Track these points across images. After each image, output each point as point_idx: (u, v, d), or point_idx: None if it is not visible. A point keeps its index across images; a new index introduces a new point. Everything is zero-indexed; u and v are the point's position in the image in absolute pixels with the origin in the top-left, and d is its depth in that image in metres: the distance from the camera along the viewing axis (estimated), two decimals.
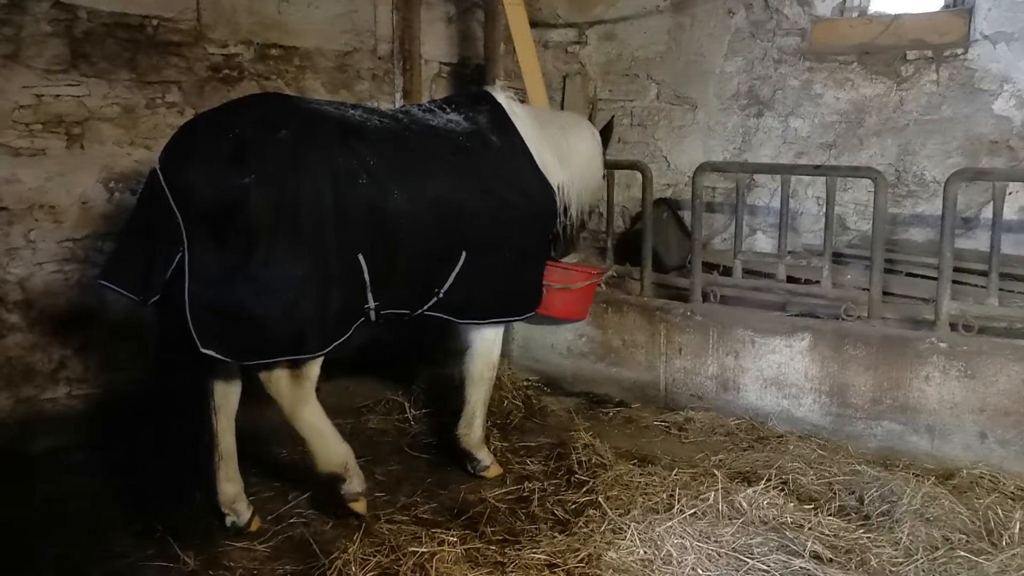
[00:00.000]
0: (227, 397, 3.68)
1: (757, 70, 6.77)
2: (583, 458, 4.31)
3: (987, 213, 5.55)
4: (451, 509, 3.96)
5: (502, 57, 6.33)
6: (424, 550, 3.28)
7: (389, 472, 4.39)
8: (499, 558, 3.34)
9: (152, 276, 3.25)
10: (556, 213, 4.45)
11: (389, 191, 3.66)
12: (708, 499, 3.66)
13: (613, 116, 5.68)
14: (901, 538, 3.40)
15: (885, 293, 5.03)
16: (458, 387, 4.56)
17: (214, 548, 3.55)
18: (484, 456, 4.39)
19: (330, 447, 3.76)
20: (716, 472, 3.95)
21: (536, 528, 3.67)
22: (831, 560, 3.27)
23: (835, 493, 3.90)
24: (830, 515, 3.65)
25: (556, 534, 3.56)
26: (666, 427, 5.01)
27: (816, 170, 5.93)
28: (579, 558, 3.28)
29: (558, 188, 4.42)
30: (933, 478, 3.99)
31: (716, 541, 3.33)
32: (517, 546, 3.45)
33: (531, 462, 4.47)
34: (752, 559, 3.22)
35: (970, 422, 4.36)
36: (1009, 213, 5.42)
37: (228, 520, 3.69)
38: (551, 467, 4.39)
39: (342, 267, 3.53)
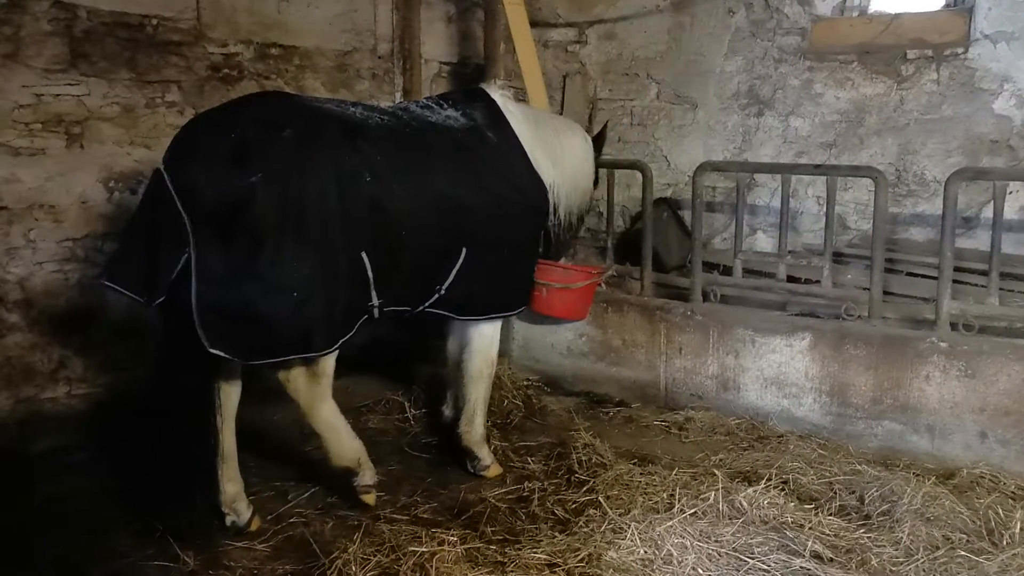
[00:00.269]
0: (228, 397, 3.69)
1: (757, 69, 6.77)
2: (583, 458, 4.31)
3: (987, 212, 5.55)
4: (451, 509, 3.96)
5: (502, 57, 6.33)
6: (424, 550, 3.28)
7: (389, 472, 4.38)
8: (499, 558, 3.34)
9: (158, 277, 3.24)
10: (547, 211, 4.47)
11: (392, 189, 3.68)
12: (708, 499, 3.65)
13: (607, 123, 5.69)
14: (902, 538, 3.40)
15: (885, 293, 5.03)
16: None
17: (214, 548, 3.55)
18: (485, 455, 4.39)
19: (344, 443, 3.81)
20: (716, 472, 3.95)
21: (536, 528, 3.67)
22: (831, 560, 3.26)
23: (835, 493, 3.90)
24: (830, 515, 3.65)
25: (556, 534, 3.56)
26: (666, 427, 5.00)
27: (816, 169, 5.92)
28: (579, 558, 3.28)
29: (549, 187, 4.43)
30: (934, 478, 3.99)
31: (716, 541, 3.33)
32: (517, 546, 3.45)
33: (531, 462, 4.47)
34: (752, 559, 3.22)
35: (970, 422, 4.36)
36: (1009, 212, 5.42)
37: (228, 520, 3.69)
38: (551, 467, 4.39)
39: (347, 265, 3.54)
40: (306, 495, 4.04)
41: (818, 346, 4.78)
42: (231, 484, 3.71)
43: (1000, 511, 3.63)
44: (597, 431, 4.74)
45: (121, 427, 4.63)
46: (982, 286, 4.90)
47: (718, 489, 3.70)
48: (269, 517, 3.83)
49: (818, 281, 5.11)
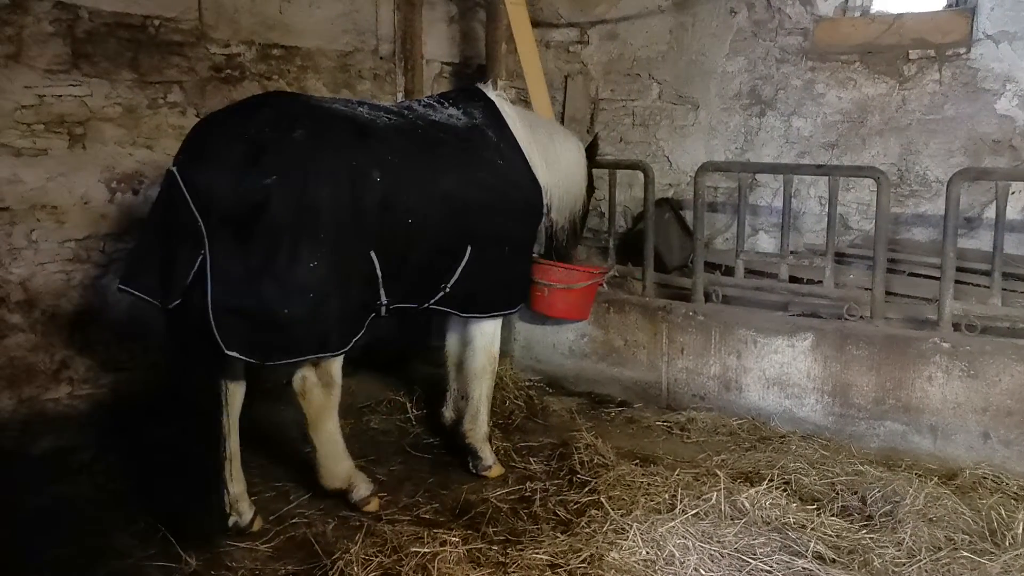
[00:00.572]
0: (234, 397, 3.69)
1: (759, 70, 6.77)
2: (585, 458, 4.31)
3: (990, 213, 5.53)
4: (453, 509, 3.96)
5: (504, 57, 6.33)
6: (426, 550, 3.28)
7: (391, 472, 4.39)
8: (501, 558, 3.34)
9: (173, 280, 3.25)
10: (542, 210, 4.49)
11: (401, 188, 3.70)
12: (710, 499, 3.65)
13: (596, 134, 5.70)
14: (904, 539, 3.40)
15: (888, 293, 5.02)
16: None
17: (216, 548, 3.55)
18: (487, 455, 4.39)
19: (339, 462, 3.86)
20: (718, 472, 3.95)
21: (538, 528, 3.66)
22: (834, 561, 3.26)
23: (838, 493, 3.89)
24: (833, 515, 3.64)
25: (558, 534, 3.55)
26: (668, 427, 5.00)
27: (818, 170, 5.93)
28: (581, 558, 3.28)
29: (544, 188, 4.46)
30: (936, 478, 3.99)
31: (719, 541, 3.33)
32: (519, 546, 3.44)
33: (533, 462, 4.47)
34: (755, 559, 3.22)
35: (973, 422, 4.36)
36: (1012, 212, 5.42)
37: (231, 520, 3.69)
38: (553, 467, 4.39)
39: (358, 264, 3.57)
40: (308, 495, 4.03)
41: (820, 346, 4.78)
42: (234, 484, 3.70)
43: (1003, 512, 3.63)
44: (599, 431, 4.73)
45: (123, 427, 4.63)
46: (985, 286, 4.89)
47: (720, 490, 3.70)
48: (271, 518, 3.82)
49: (820, 281, 5.11)
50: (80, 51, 4.80)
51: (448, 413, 4.83)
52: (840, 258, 5.72)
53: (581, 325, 5.65)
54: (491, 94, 4.49)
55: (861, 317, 4.81)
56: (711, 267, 5.87)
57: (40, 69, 4.66)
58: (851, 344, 4.67)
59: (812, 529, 3.47)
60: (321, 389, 3.68)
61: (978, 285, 5.16)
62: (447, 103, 4.38)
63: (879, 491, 3.80)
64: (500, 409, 5.08)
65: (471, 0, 6.97)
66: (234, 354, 3.27)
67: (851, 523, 3.59)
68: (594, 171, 5.23)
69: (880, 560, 3.27)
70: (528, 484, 4.13)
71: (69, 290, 4.87)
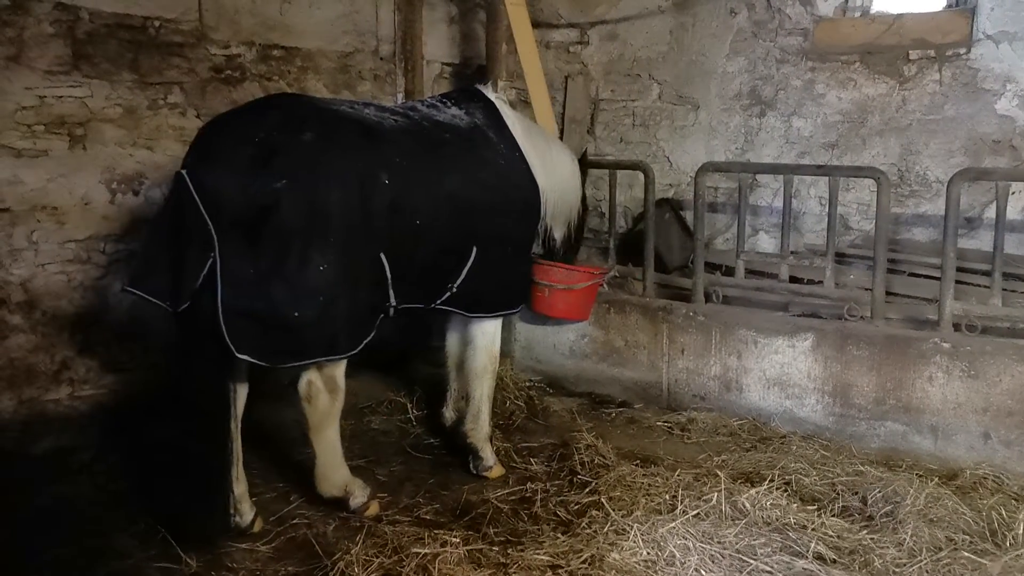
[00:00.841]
0: (238, 399, 3.70)
1: (759, 70, 6.76)
2: (586, 459, 4.31)
3: (990, 213, 5.53)
4: (453, 510, 3.96)
5: (504, 57, 6.33)
6: (427, 551, 3.28)
7: (391, 473, 4.39)
8: (502, 559, 3.34)
9: (183, 283, 3.25)
10: (540, 211, 4.49)
11: (409, 189, 3.71)
12: (711, 500, 3.65)
13: (585, 150, 5.72)
14: (904, 539, 3.40)
15: (888, 293, 5.02)
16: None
17: (216, 549, 3.55)
18: (488, 455, 4.39)
19: (337, 469, 3.85)
20: (719, 473, 3.95)
21: (539, 529, 3.66)
22: (834, 561, 3.26)
23: (838, 494, 3.90)
24: (833, 516, 3.65)
25: (559, 535, 3.56)
26: (669, 427, 5.00)
27: (819, 170, 5.93)
28: (582, 559, 3.28)
29: (541, 191, 4.47)
30: (936, 479, 3.99)
31: (719, 542, 3.33)
32: (520, 547, 3.44)
33: (534, 463, 4.47)
34: (755, 560, 3.22)
35: (974, 422, 4.36)
36: (1012, 213, 5.42)
37: (232, 521, 3.69)
38: (554, 468, 4.39)
39: (368, 266, 3.58)
40: (308, 497, 4.03)
41: (821, 347, 4.78)
42: (236, 485, 3.71)
43: (1003, 512, 3.63)
44: (599, 432, 4.73)
45: (123, 428, 4.63)
46: (985, 287, 4.89)
47: (721, 490, 3.70)
48: (272, 518, 3.83)
49: (821, 282, 5.11)
50: (80, 52, 4.79)
51: (449, 413, 4.83)
52: (840, 258, 5.71)
53: (582, 325, 5.65)
54: (491, 95, 4.51)
55: (861, 317, 4.81)
56: (711, 267, 5.87)
57: (40, 70, 4.66)
58: (851, 344, 4.67)
59: (813, 530, 3.47)
60: (327, 394, 3.68)
61: (978, 285, 5.16)
62: (450, 103, 4.40)
63: (880, 491, 3.80)
64: (500, 409, 5.08)
65: (471, 1, 6.97)
66: (244, 357, 3.29)
67: (852, 523, 3.59)
68: (595, 172, 5.25)
69: (881, 561, 3.27)
70: (529, 485, 4.13)
71: (70, 291, 4.87)
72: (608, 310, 5.57)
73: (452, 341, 4.74)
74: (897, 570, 3.24)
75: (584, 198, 5.25)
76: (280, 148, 3.37)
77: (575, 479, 4.17)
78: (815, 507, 3.74)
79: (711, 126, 7.05)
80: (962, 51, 5.92)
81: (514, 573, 3.24)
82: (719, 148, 7.00)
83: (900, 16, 6.19)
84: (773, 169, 6.32)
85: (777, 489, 3.82)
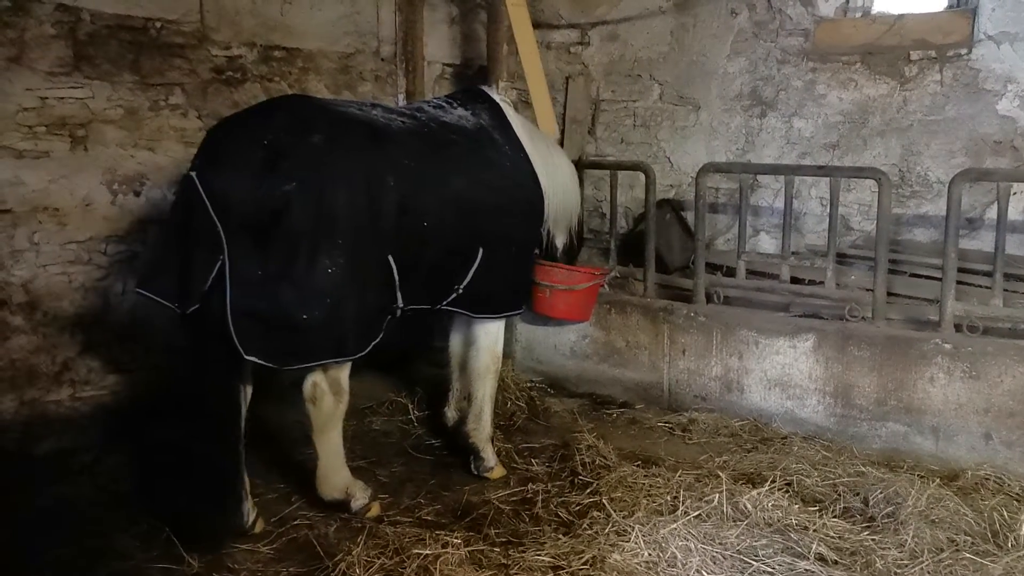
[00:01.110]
0: (243, 399, 3.70)
1: (760, 71, 6.76)
2: (587, 459, 4.31)
3: (991, 213, 5.53)
4: (455, 511, 3.96)
5: (505, 58, 6.32)
6: (428, 552, 3.28)
7: (392, 474, 4.39)
8: (503, 560, 3.34)
9: (191, 284, 3.26)
10: (543, 213, 4.50)
11: (417, 191, 3.72)
12: (712, 501, 3.65)
13: (580, 157, 5.73)
14: (906, 540, 3.40)
15: (889, 294, 5.02)
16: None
17: (222, 549, 3.54)
18: (489, 456, 4.39)
19: (338, 471, 3.85)
20: (720, 473, 3.95)
21: (540, 530, 3.67)
22: (836, 562, 3.26)
23: (840, 495, 3.90)
24: (835, 517, 3.65)
25: (560, 536, 3.56)
26: (670, 428, 5.00)
27: (820, 171, 5.92)
28: (583, 560, 3.28)
29: (544, 192, 4.48)
30: (938, 479, 3.99)
31: (721, 543, 3.33)
32: (521, 548, 3.44)
33: (535, 463, 4.47)
34: (757, 561, 3.22)
35: (975, 423, 4.35)
36: (1014, 213, 5.41)
37: (244, 521, 3.69)
38: (555, 468, 4.39)
39: (376, 268, 3.58)
40: (310, 497, 4.03)
41: (822, 347, 4.77)
42: None
43: (1005, 513, 3.63)
44: (600, 433, 4.74)
45: (125, 429, 4.63)
46: (986, 287, 4.89)
47: (722, 491, 3.70)
48: (273, 519, 3.82)
49: (822, 282, 5.11)
50: (82, 53, 4.79)
51: (450, 413, 4.83)
52: (841, 259, 5.71)
53: (582, 326, 5.65)
54: (495, 96, 4.53)
55: (863, 318, 4.81)
56: (712, 268, 5.87)
57: (42, 71, 4.66)
58: (853, 345, 4.67)
59: (814, 530, 3.47)
60: (331, 397, 3.68)
61: (980, 286, 5.16)
62: (456, 104, 4.41)
63: (881, 492, 3.80)
64: (502, 410, 5.08)
65: (472, 1, 6.97)
66: (253, 358, 3.29)
67: (853, 524, 3.59)
68: (596, 172, 5.26)
69: (882, 562, 3.27)
70: (530, 485, 4.13)
71: (71, 292, 4.87)
72: (609, 311, 5.57)
73: (455, 341, 4.74)
74: (899, 571, 3.24)
75: (581, 210, 5.24)
76: (289, 150, 3.38)
77: (576, 480, 4.17)
78: (816, 508, 3.74)
79: (712, 127, 7.05)
80: (963, 52, 5.91)
81: (515, 574, 3.24)
82: (720, 149, 6.99)
83: (901, 17, 6.19)
84: (774, 170, 6.32)
85: (778, 490, 3.82)
